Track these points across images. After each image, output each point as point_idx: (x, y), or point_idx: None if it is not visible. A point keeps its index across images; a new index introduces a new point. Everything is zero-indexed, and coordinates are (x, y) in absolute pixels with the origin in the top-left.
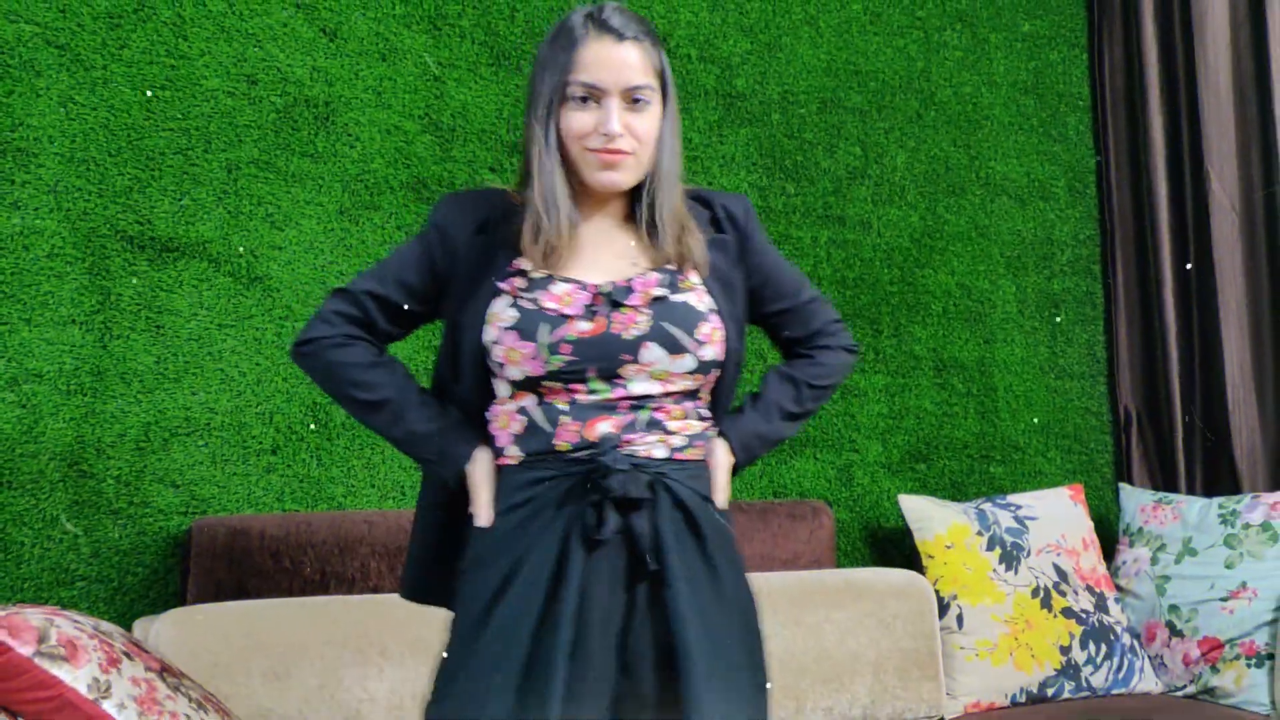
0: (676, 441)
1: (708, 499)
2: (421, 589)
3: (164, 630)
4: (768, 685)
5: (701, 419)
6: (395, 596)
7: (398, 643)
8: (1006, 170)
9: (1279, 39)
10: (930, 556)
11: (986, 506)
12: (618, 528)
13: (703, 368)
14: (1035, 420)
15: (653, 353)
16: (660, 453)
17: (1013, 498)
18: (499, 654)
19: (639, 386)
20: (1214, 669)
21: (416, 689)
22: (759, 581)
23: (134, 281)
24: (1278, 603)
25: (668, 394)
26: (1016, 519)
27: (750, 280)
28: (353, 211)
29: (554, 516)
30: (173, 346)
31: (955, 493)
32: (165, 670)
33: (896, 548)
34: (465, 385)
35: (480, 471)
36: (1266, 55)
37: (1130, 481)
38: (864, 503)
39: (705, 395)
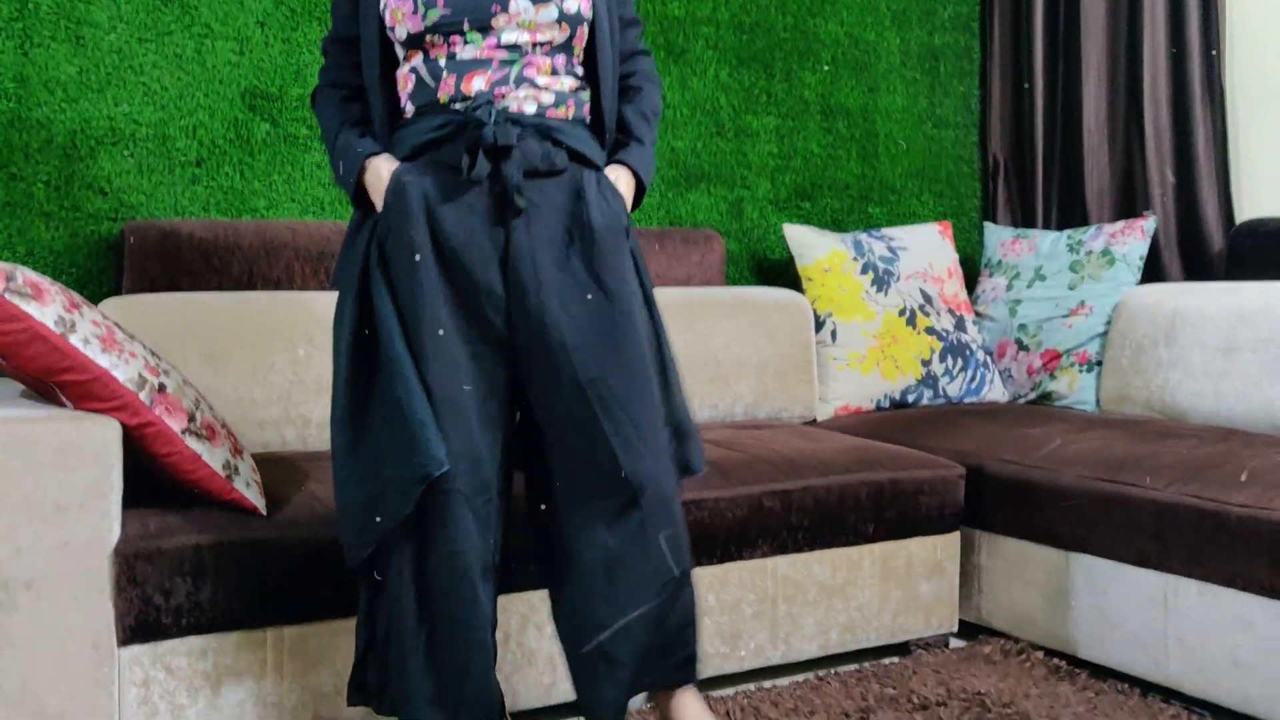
0: (545, 99)
1: (577, 153)
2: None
3: (105, 314)
4: (624, 290)
5: (575, 78)
6: (321, 294)
7: (323, 333)
8: None
9: None
10: (809, 279)
11: (863, 237)
12: (487, 172)
13: (567, 19)
14: (911, 164)
15: (520, 3)
16: (531, 109)
17: (887, 230)
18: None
19: (510, 36)
20: (1052, 376)
21: None
22: (656, 295)
23: None
24: (1109, 316)
25: (536, 44)
26: (889, 248)
27: None
28: None
29: (438, 171)
30: (94, 58)
31: (836, 229)
32: (118, 326)
33: (780, 276)
34: (368, 57)
35: (369, 175)
36: None
37: (994, 221)
38: (753, 235)
39: (579, 54)
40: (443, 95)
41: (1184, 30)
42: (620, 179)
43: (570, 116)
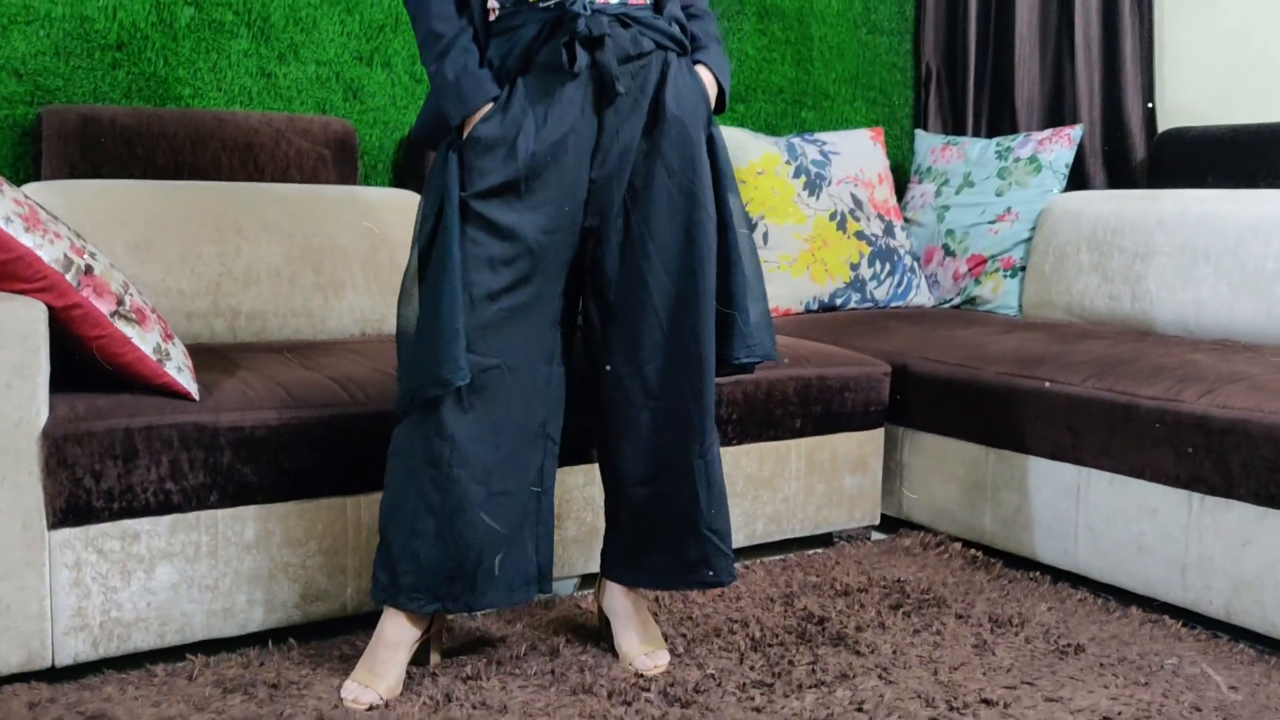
0: None
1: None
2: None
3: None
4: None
5: None
6: (249, 184)
7: (252, 224)
8: None
9: None
10: (743, 181)
11: (796, 140)
12: (587, 62)
13: None
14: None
15: None
16: None
17: (819, 135)
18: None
19: None
20: (977, 282)
21: (270, 265)
22: None
23: None
24: (1034, 223)
25: None
26: (822, 153)
27: None
28: None
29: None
30: None
31: (770, 133)
32: (42, 207)
33: None
34: None
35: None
36: None
37: (926, 129)
38: None
39: None
40: None
41: None
42: (705, 77)
43: (647, 3)
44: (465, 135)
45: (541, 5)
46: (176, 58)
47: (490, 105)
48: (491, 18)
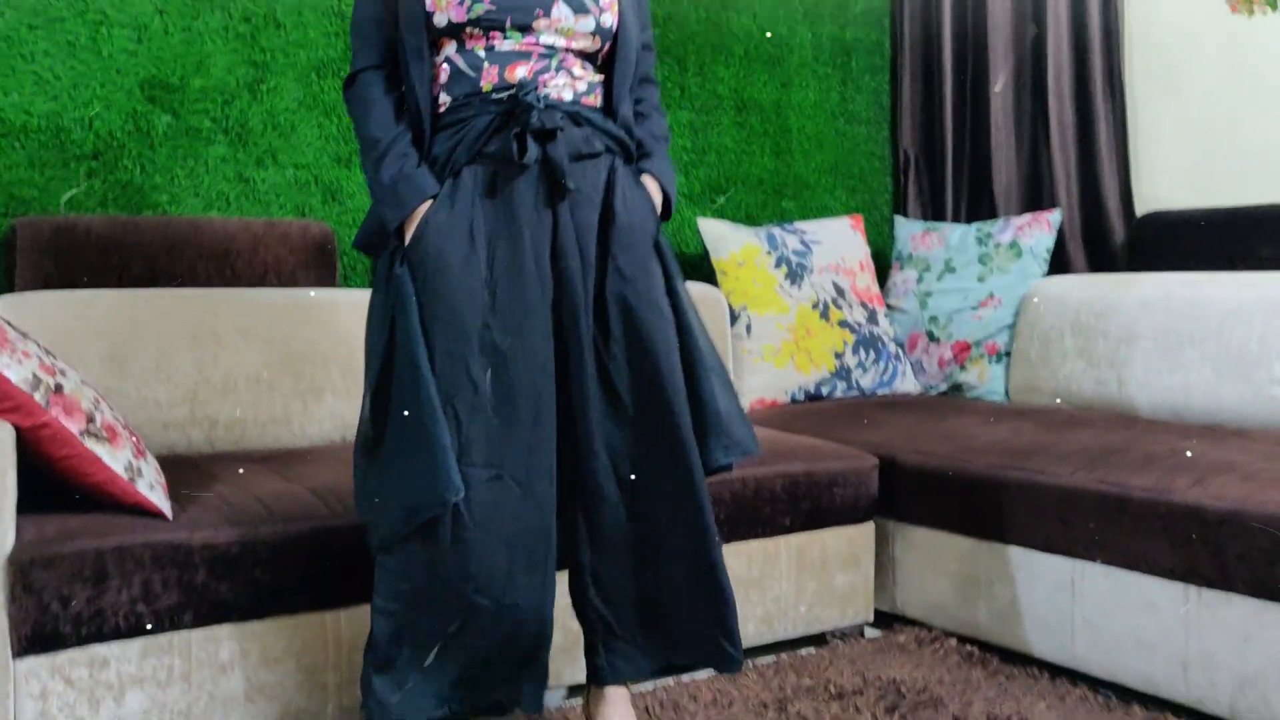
0: (581, 86)
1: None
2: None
3: None
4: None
5: (597, 77)
6: (226, 290)
7: (230, 330)
8: None
9: None
10: (724, 273)
11: (776, 231)
12: (537, 156)
13: (601, 32)
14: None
15: (562, 10)
16: (568, 95)
17: (799, 224)
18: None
19: (547, 39)
20: (962, 368)
21: (248, 372)
22: None
23: None
24: (1017, 308)
25: (570, 49)
26: (802, 242)
27: None
28: None
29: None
30: None
31: (750, 223)
32: (10, 324)
33: (695, 269)
34: (405, 41)
35: (415, 216)
36: None
37: (905, 215)
38: (667, 229)
39: (599, 65)
40: (485, 84)
41: (1085, 23)
42: (650, 186)
43: (599, 105)
44: (408, 238)
45: (495, 96)
46: (153, 165)
47: (429, 203)
48: (441, 109)
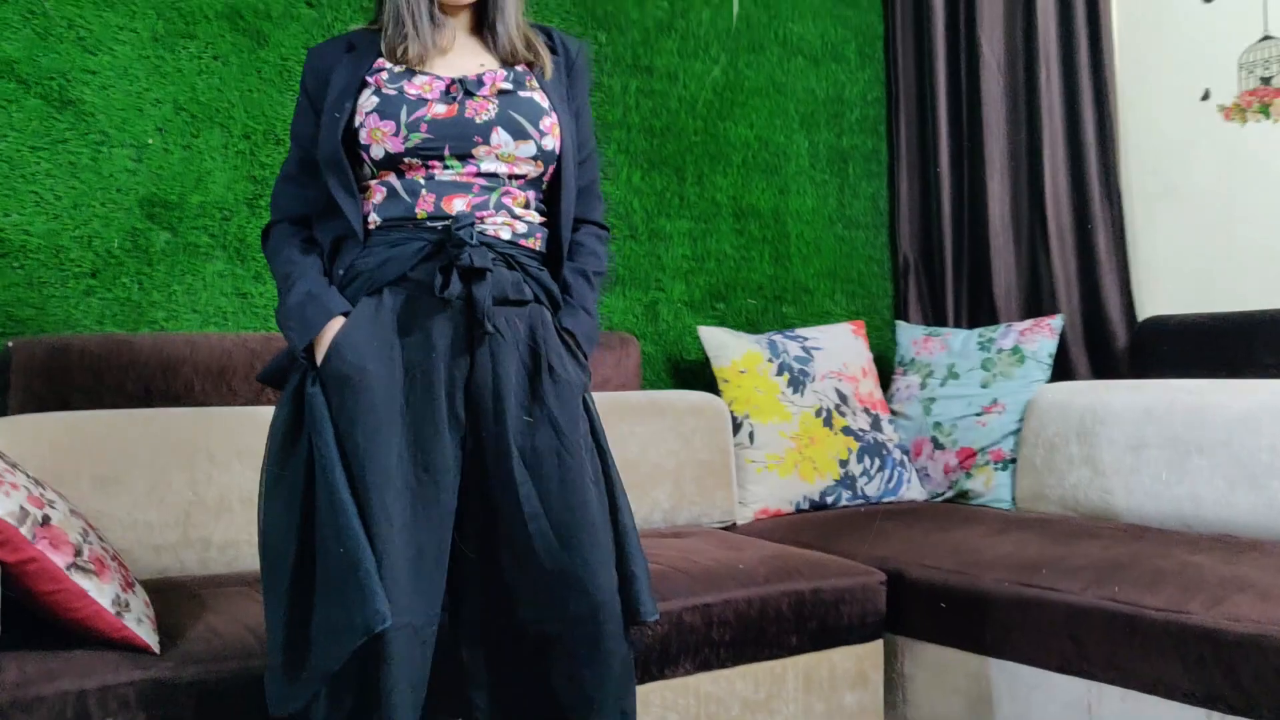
0: (520, 227)
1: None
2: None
3: None
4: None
5: (540, 213)
6: (221, 409)
7: (224, 450)
8: (803, 31)
9: None
10: (726, 381)
11: (777, 338)
12: (460, 293)
13: (544, 156)
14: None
15: (501, 136)
16: (506, 234)
17: (801, 331)
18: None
19: (488, 166)
20: (968, 475)
21: (243, 493)
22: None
23: None
24: (1021, 414)
25: (513, 176)
26: (804, 349)
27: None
28: (167, 39)
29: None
30: None
31: (751, 330)
32: (1, 455)
33: (697, 377)
34: (330, 171)
35: (327, 331)
36: None
37: (906, 319)
38: (668, 336)
39: (543, 189)
40: (421, 211)
41: (1080, 129)
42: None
43: (537, 249)
44: (319, 357)
45: (429, 224)
46: (151, 282)
47: (339, 321)
48: (371, 227)
